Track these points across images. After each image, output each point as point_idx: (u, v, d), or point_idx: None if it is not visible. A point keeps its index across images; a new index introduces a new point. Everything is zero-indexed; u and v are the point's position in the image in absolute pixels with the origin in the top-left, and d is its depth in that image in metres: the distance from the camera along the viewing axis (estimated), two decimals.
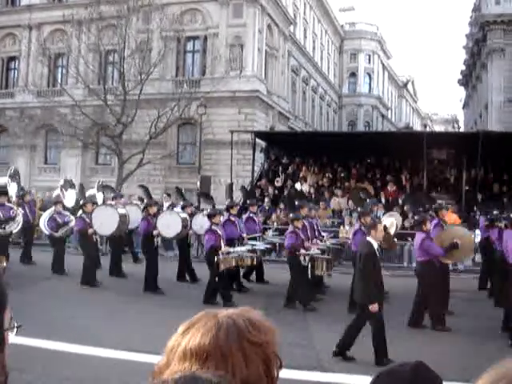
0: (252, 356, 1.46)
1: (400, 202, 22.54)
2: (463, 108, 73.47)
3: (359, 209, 17.97)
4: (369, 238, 9.18)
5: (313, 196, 24.83)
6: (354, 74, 73.50)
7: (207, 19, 42.87)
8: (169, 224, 15.54)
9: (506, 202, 21.76)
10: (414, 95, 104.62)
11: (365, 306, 8.73)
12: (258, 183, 27.30)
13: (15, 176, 18.74)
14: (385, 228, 12.16)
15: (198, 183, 29.88)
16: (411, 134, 34.55)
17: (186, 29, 41.96)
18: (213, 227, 13.46)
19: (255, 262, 14.08)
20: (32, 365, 7.52)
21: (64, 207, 18.41)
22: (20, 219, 15.87)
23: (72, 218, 17.64)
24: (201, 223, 16.28)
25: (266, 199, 24.34)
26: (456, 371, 7.39)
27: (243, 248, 14.32)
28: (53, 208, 18.05)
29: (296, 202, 19.44)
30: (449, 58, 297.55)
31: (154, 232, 15.07)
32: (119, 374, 7.46)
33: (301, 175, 26.74)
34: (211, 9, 42.66)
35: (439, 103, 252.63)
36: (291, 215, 14.53)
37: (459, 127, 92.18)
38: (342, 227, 21.03)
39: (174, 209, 18.48)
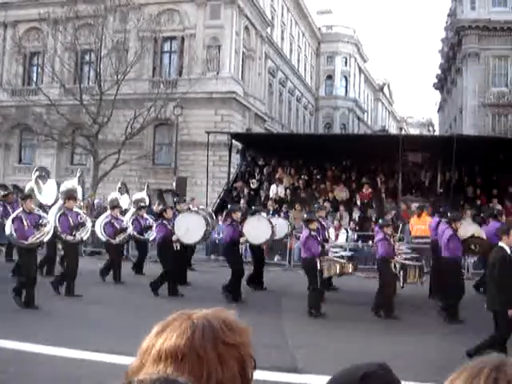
0: (227, 357, 1.45)
1: (373, 205, 22.64)
2: (438, 112, 74.00)
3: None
4: (501, 244, 8.96)
5: (288, 198, 24.89)
6: (330, 77, 73.69)
7: (184, 20, 42.77)
8: (256, 229, 14.61)
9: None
10: (390, 98, 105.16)
11: (501, 312, 8.53)
12: (234, 185, 27.29)
13: (81, 179, 17.75)
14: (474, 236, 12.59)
15: (174, 184, 29.83)
16: (387, 137, 34.74)
17: (163, 29, 41.76)
18: (312, 233, 12.66)
19: (355, 270, 13.74)
20: (4, 366, 7.46)
21: (121, 212, 17.41)
22: (89, 225, 14.33)
23: (129, 223, 16.81)
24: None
25: (242, 200, 24.34)
26: None
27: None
28: (108, 212, 16.96)
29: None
30: (424, 62, 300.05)
31: (242, 239, 14.33)
32: (92, 375, 7.42)
33: (277, 177, 26.77)
34: (189, 10, 42.57)
35: (415, 107, 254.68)
36: (305, 215, 14.05)
37: (434, 131, 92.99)
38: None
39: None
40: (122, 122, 37.05)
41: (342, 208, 22.96)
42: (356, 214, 20.82)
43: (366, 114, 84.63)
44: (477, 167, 25.95)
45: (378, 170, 26.88)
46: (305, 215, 14.06)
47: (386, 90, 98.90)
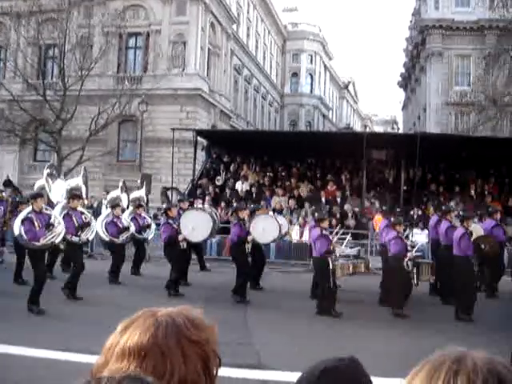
0: (191, 354, 1.46)
1: (339, 201, 22.78)
2: (402, 110, 74.61)
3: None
4: None
5: (254, 195, 24.89)
6: (296, 74, 73.89)
7: (150, 16, 42.51)
8: (264, 228, 14.43)
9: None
10: (355, 96, 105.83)
11: None
12: (199, 182, 27.21)
13: (85, 177, 16.85)
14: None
15: (139, 181, 29.62)
16: (352, 135, 35.02)
17: (128, 25, 41.44)
18: (324, 232, 12.58)
19: (367, 269, 13.64)
20: None
21: (122, 210, 17.10)
22: (94, 225, 14.05)
23: (131, 223, 16.40)
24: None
25: (207, 198, 24.28)
26: None
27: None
28: (109, 211, 16.51)
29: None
30: (389, 61, 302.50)
31: (249, 238, 14.01)
32: (55, 374, 7.34)
33: (242, 174, 26.77)
34: (154, 5, 42.32)
35: (379, 105, 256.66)
36: (317, 214, 13.86)
37: (398, 128, 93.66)
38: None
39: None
40: (86, 118, 36.68)
41: (306, 205, 23.07)
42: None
43: (330, 111, 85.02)
44: (440, 165, 26.27)
45: (343, 168, 27.06)
46: (316, 214, 13.84)
47: (350, 87, 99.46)
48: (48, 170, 16.78)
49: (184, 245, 14.27)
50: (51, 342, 8.84)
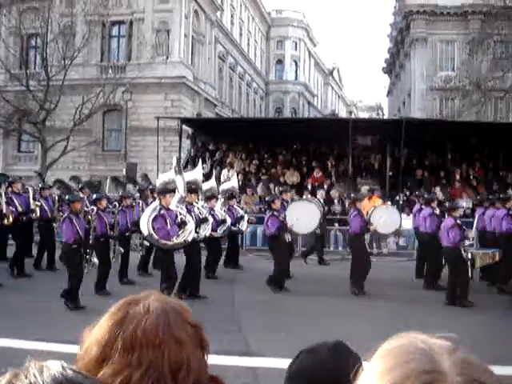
0: (194, 338, 1.44)
1: (325, 187, 22.78)
2: (387, 95, 74.71)
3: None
4: None
5: (240, 182, 24.85)
6: (280, 61, 73.76)
7: (133, 4, 42.15)
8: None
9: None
10: (340, 83, 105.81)
11: None
12: (185, 170, 27.11)
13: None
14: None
15: (124, 170, 29.54)
16: (337, 121, 34.97)
17: (110, 13, 40.99)
18: (457, 221, 12.41)
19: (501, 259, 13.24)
20: None
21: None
22: (192, 225, 12.22)
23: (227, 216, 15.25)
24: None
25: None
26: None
27: None
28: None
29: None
30: (373, 47, 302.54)
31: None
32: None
33: (227, 161, 26.72)
34: None
35: (364, 91, 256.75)
36: (353, 195, 13.78)
37: (383, 114, 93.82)
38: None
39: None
40: (70, 107, 36.41)
41: (293, 192, 23.06)
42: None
43: (315, 98, 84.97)
44: (425, 150, 26.34)
45: (329, 154, 27.06)
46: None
47: (335, 74, 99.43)
48: (175, 162, 14.18)
49: (289, 237, 13.89)
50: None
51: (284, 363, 1.87)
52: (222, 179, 24.60)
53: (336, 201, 21.98)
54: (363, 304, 11.99)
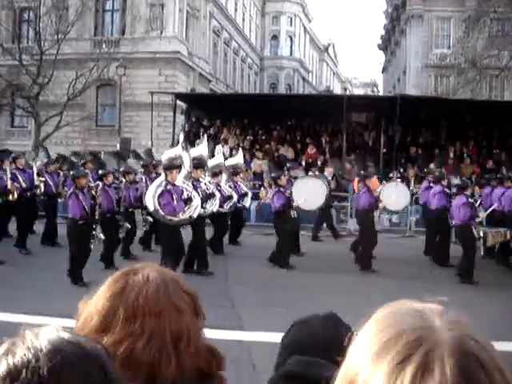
0: (191, 306, 1.47)
1: (319, 163, 22.78)
2: (382, 72, 74.51)
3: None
4: None
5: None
6: (275, 37, 73.30)
7: None
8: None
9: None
10: (335, 59, 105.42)
11: None
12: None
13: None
14: None
15: (118, 145, 29.49)
16: (332, 97, 34.87)
17: None
18: (470, 200, 12.56)
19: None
20: None
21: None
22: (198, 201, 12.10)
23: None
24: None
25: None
26: None
27: None
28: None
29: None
30: (369, 23, 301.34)
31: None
32: None
33: (222, 137, 26.67)
34: None
35: (359, 67, 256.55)
36: (362, 172, 13.83)
37: (378, 91, 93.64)
38: (262, 189, 21.35)
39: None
40: (64, 82, 36.24)
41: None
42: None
43: (310, 74, 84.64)
44: (419, 127, 26.34)
45: (323, 130, 27.04)
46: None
47: (330, 50, 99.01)
48: (182, 138, 14.70)
49: (295, 213, 13.77)
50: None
51: (277, 337, 1.87)
52: (215, 155, 24.68)
53: (330, 178, 21.98)
54: (361, 281, 12.01)
